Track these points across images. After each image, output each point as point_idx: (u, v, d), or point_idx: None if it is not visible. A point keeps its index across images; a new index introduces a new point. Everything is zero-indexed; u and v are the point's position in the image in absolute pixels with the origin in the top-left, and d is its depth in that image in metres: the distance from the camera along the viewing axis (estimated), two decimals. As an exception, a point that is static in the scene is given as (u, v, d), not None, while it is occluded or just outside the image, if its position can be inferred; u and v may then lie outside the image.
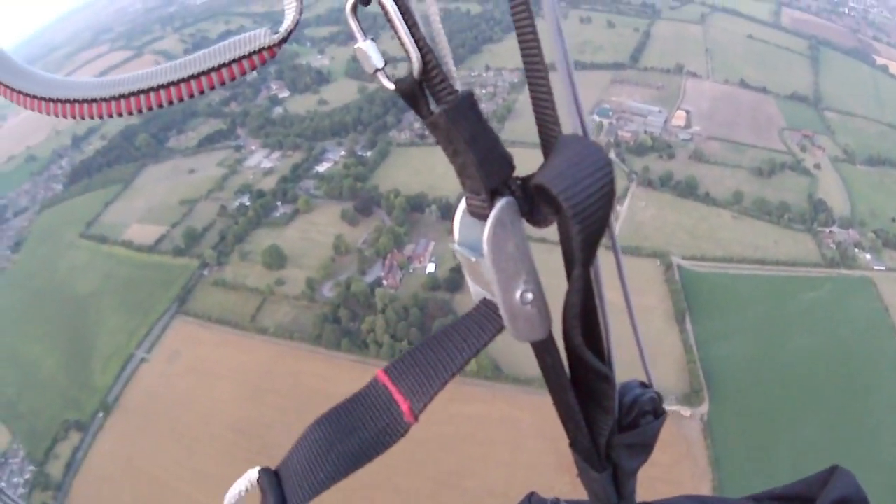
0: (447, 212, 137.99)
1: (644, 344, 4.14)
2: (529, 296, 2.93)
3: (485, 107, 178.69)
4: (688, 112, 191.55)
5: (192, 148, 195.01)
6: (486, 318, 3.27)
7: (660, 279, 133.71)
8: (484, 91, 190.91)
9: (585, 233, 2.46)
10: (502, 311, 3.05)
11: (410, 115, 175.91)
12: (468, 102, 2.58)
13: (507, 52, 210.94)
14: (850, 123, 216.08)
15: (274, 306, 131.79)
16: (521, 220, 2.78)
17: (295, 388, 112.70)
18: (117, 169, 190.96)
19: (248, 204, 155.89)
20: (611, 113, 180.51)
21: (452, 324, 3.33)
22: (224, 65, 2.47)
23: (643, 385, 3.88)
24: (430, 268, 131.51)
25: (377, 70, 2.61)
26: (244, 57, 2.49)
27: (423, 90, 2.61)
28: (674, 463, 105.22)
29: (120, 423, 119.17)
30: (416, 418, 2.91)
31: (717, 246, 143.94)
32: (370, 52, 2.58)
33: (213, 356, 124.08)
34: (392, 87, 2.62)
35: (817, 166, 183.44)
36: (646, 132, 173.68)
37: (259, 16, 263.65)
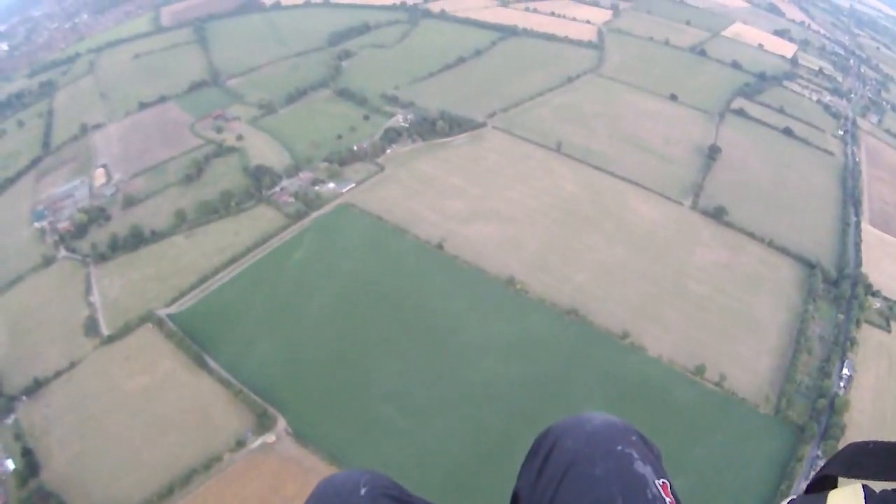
0: None
1: None
2: None
3: None
4: (105, 166, 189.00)
5: None
6: None
7: (161, 339, 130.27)
8: None
9: None
10: None
11: None
12: None
13: None
14: (257, 78, 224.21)
15: None
16: None
17: None
18: None
19: None
20: (45, 212, 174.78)
21: None
22: None
23: None
24: (10, 464, 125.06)
25: None
26: None
27: None
28: (302, 487, 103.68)
29: None
30: None
31: (186, 275, 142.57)
32: None
33: None
34: None
35: (240, 138, 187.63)
36: (79, 210, 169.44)
37: None
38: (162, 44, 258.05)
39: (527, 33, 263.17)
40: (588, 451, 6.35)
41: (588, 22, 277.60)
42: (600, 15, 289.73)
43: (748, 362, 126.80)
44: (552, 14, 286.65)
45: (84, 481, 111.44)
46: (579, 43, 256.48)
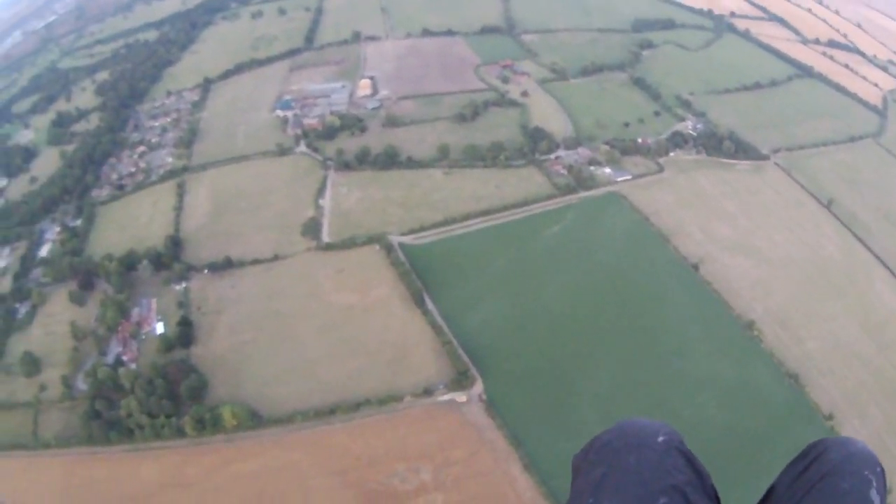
0: (159, 263, 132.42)
1: None
2: None
3: (172, 135, 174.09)
4: (372, 79, 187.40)
5: None
6: None
7: (384, 264, 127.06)
8: (169, 119, 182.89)
9: None
10: None
11: (107, 168, 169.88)
12: None
13: (186, 71, 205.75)
14: (553, 40, 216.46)
15: (47, 416, 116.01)
16: None
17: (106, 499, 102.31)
18: None
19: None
20: (293, 103, 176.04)
21: None
22: None
23: None
24: (160, 328, 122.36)
25: None
26: None
27: None
28: (470, 455, 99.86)
29: None
30: None
31: (434, 211, 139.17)
32: None
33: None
34: None
35: (525, 94, 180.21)
36: (332, 112, 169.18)
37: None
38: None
39: (820, 77, 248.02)
40: (844, 467, 7.42)
41: (876, 85, 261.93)
42: (888, 81, 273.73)
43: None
44: (846, 66, 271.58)
45: (239, 370, 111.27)
46: (865, 103, 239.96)
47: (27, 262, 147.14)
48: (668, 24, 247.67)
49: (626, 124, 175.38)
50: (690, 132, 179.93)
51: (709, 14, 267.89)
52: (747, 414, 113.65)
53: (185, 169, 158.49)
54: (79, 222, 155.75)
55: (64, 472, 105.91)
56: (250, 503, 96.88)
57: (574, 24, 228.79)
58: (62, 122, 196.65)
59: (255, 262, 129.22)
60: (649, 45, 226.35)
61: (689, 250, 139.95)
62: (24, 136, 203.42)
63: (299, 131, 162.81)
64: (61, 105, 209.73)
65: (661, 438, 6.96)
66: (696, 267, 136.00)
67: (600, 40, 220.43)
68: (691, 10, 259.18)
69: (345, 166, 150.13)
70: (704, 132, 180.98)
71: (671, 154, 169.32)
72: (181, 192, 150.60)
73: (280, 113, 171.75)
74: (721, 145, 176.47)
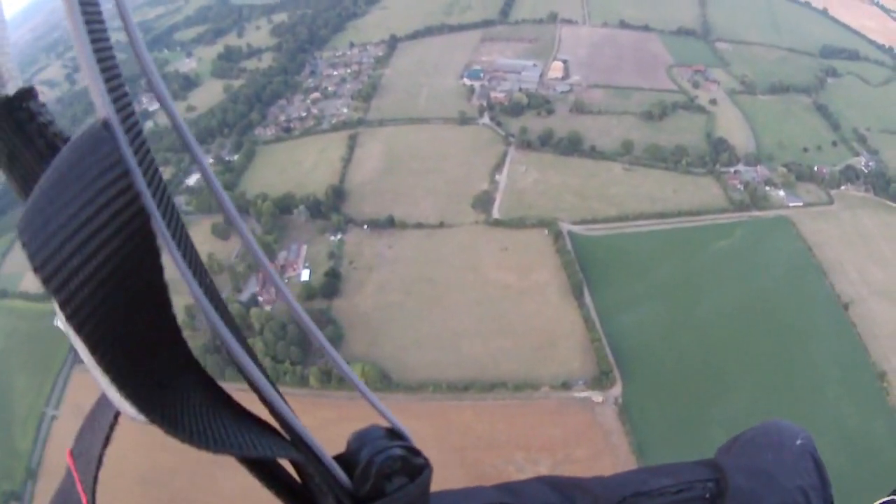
0: (317, 211, 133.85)
1: (360, 384, 3.00)
2: None
3: (350, 87, 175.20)
4: (565, 62, 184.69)
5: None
6: None
7: (550, 250, 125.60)
8: (349, 70, 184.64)
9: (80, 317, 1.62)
10: None
11: (275, 109, 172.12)
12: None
13: (372, 26, 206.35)
14: (746, 52, 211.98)
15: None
16: None
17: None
18: (11, 216, 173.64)
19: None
20: (482, 74, 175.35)
21: None
22: None
23: (391, 434, 2.84)
24: (305, 275, 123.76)
25: None
26: None
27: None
28: (592, 457, 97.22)
29: (48, 486, 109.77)
30: None
31: (609, 205, 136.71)
32: None
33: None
34: None
35: (713, 102, 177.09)
36: (521, 89, 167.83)
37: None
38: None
39: None
40: None
41: None
42: None
43: None
44: None
45: (379, 330, 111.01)
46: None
47: (169, 187, 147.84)
48: (853, 55, 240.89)
49: (805, 150, 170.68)
50: (862, 168, 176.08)
51: (889, 51, 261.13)
52: (861, 465, 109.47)
53: (359, 122, 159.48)
54: (235, 158, 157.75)
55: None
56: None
57: (766, 39, 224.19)
58: (231, 56, 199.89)
59: (419, 225, 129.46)
60: (833, 72, 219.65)
61: (843, 288, 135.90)
62: (186, 65, 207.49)
63: (484, 103, 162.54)
64: (231, 40, 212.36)
65: (799, 441, 6.10)
66: (846, 307, 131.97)
67: (789, 60, 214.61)
68: (875, 44, 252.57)
69: (526, 145, 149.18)
70: (875, 170, 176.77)
71: (842, 187, 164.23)
72: (352, 145, 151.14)
73: (467, 81, 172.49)
74: (889, 187, 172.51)
